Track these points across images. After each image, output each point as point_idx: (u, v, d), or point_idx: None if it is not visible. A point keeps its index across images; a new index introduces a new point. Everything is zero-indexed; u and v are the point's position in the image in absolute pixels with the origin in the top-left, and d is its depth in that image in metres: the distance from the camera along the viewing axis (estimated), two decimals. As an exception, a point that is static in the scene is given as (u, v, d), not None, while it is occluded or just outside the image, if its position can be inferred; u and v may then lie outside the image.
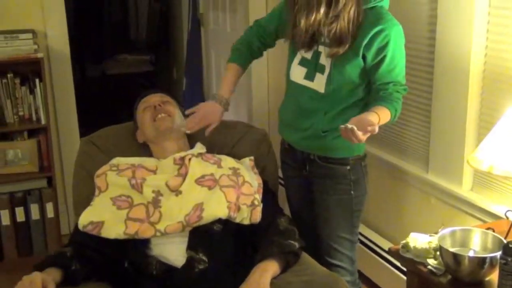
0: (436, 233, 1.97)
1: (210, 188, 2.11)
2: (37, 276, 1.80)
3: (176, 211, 2.06)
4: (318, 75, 2.08)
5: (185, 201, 2.08)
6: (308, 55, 2.10)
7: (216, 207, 2.06)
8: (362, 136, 1.80)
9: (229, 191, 2.11)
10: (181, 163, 2.18)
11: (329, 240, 2.23)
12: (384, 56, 2.00)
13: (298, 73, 2.14)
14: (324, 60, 2.06)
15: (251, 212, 2.11)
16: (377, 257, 2.78)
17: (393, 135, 2.82)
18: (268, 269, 1.92)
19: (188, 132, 2.24)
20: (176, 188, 2.11)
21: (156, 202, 2.08)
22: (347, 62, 2.03)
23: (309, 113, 2.14)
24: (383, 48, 1.99)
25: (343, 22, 1.98)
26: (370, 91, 2.08)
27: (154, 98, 2.32)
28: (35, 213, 3.29)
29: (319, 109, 2.11)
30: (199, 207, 2.05)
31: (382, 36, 1.98)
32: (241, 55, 2.31)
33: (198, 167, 2.17)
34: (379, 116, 1.91)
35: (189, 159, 2.19)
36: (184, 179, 2.13)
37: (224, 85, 2.29)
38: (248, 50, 2.31)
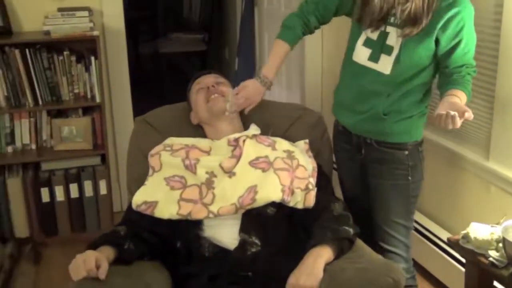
0: (498, 223, 1.91)
1: (264, 170, 2.08)
2: (91, 254, 1.81)
3: (230, 193, 2.04)
4: (383, 56, 2.03)
5: (239, 183, 2.06)
6: (374, 36, 2.05)
7: (270, 190, 2.03)
8: (459, 122, 1.79)
9: (283, 174, 2.08)
10: (235, 144, 2.16)
11: (384, 225, 2.18)
12: (460, 41, 1.97)
13: (362, 54, 2.08)
14: (392, 41, 2.00)
15: (305, 196, 2.07)
16: (432, 246, 2.72)
17: (452, 120, 2.73)
18: (322, 254, 1.88)
19: (227, 114, 2.20)
20: (230, 169, 2.09)
21: (209, 183, 2.07)
22: (419, 43, 1.98)
23: (370, 95, 2.08)
24: (458, 32, 1.96)
25: (418, 1, 1.92)
26: (437, 74, 2.04)
27: (208, 79, 2.30)
28: (88, 190, 3.33)
29: (382, 91, 2.06)
30: (253, 189, 2.03)
31: (457, 20, 1.95)
32: (293, 33, 2.24)
33: (252, 149, 2.14)
34: (460, 99, 1.89)
35: (243, 141, 2.16)
36: (238, 161, 2.11)
37: (270, 64, 2.23)
38: (302, 28, 2.24)
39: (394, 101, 2.05)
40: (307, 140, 2.28)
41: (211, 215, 2.01)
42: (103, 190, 3.34)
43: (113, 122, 3.58)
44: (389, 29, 2.01)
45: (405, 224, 2.19)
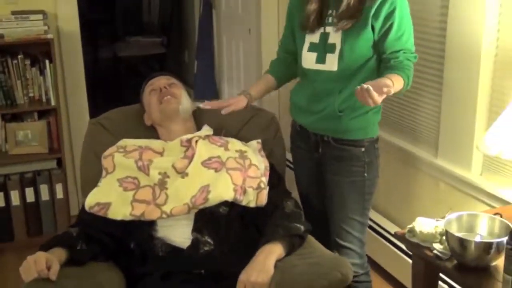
0: (444, 218, 1.96)
1: (216, 170, 2.11)
2: (41, 255, 1.80)
3: (182, 193, 2.06)
4: (328, 55, 2.07)
5: (192, 183, 2.08)
6: (316, 39, 2.09)
7: (222, 190, 2.06)
8: (377, 97, 1.77)
9: (235, 174, 2.10)
10: (188, 145, 2.18)
11: (341, 222, 2.22)
12: (392, 24, 1.99)
13: (309, 59, 2.12)
14: (333, 39, 2.05)
15: (257, 195, 2.10)
16: (384, 241, 2.78)
17: (403, 119, 2.80)
18: (273, 251, 1.92)
19: (202, 106, 2.18)
20: (183, 170, 2.11)
21: (162, 184, 2.09)
22: (357, 35, 2.02)
23: (323, 94, 2.12)
24: (390, 15, 1.99)
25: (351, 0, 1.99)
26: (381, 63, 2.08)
27: (160, 81, 2.31)
28: (44, 194, 3.30)
29: (334, 88, 2.09)
30: (205, 189, 2.05)
31: (388, 3, 1.98)
32: (274, 66, 2.33)
33: (205, 149, 2.17)
34: (393, 82, 1.90)
35: (196, 141, 2.18)
36: (190, 161, 2.13)
37: (253, 86, 2.29)
38: (282, 63, 2.31)
39: (346, 98, 2.08)
40: (259, 140, 2.32)
41: (164, 216, 2.02)
42: (59, 193, 3.33)
43: (69, 126, 3.56)
44: (328, 29, 2.06)
45: (361, 220, 2.23)
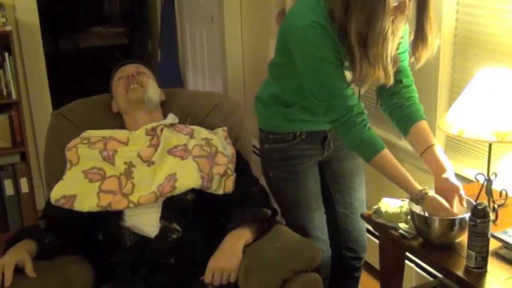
0: (408, 197, 1.99)
1: (182, 158, 2.10)
2: (9, 257, 1.78)
3: (149, 182, 2.05)
4: None
5: (158, 171, 2.08)
6: None
7: (189, 177, 2.06)
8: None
9: (202, 161, 2.10)
10: (153, 133, 2.17)
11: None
12: None
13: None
14: None
15: (224, 182, 2.11)
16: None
17: (366, 101, 2.81)
18: (241, 236, 1.93)
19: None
20: (148, 158, 2.10)
21: (128, 174, 2.08)
22: None
23: None
24: None
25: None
26: None
27: (130, 69, 2.30)
28: (9, 189, 3.26)
29: None
30: (172, 177, 2.05)
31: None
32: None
33: (170, 137, 2.16)
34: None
35: (161, 130, 2.17)
36: (156, 150, 2.12)
37: None
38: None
39: None
40: (225, 128, 2.31)
41: (131, 205, 2.01)
42: (24, 188, 3.29)
43: (32, 119, 3.52)
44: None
45: None
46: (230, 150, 2.23)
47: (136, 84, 2.23)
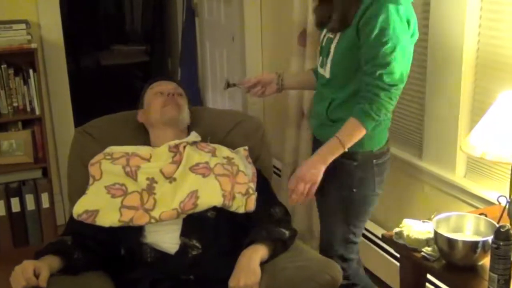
0: (429, 219, 1.98)
1: (204, 176, 2.12)
2: (28, 264, 1.80)
3: (170, 198, 2.07)
4: (327, 61, 2.02)
5: (180, 188, 2.09)
6: (323, 42, 2.07)
7: (211, 195, 2.07)
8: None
9: (224, 180, 2.11)
10: (176, 151, 2.19)
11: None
12: (373, 27, 1.84)
13: (319, 62, 2.11)
14: (331, 45, 2.00)
15: (246, 200, 2.11)
16: (369, 243, 2.79)
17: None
18: (257, 251, 1.93)
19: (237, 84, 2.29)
20: (170, 175, 2.12)
21: (150, 189, 2.09)
22: (345, 42, 1.94)
23: (321, 99, 2.10)
24: (374, 17, 1.84)
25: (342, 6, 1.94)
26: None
27: (170, 86, 2.33)
28: (30, 204, 3.29)
29: (327, 96, 2.05)
30: (194, 194, 2.06)
31: (375, 5, 1.85)
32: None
33: (192, 155, 2.18)
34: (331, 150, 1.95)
35: (184, 147, 2.19)
36: (178, 167, 2.13)
37: (289, 74, 2.26)
38: None
39: (337, 107, 2.01)
40: (246, 147, 2.33)
41: (152, 221, 2.03)
42: (45, 203, 3.31)
43: (54, 135, 3.55)
44: (331, 34, 2.02)
45: (346, 237, 2.20)
46: (251, 169, 2.24)
47: (175, 104, 2.26)
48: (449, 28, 2.33)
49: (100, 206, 2.06)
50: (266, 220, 2.09)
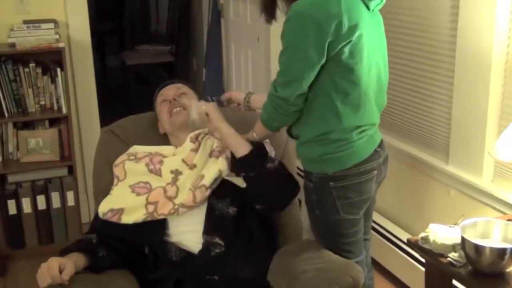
0: (456, 224, 1.96)
1: (217, 157, 2.15)
2: (53, 261, 1.82)
3: (190, 183, 2.09)
4: None
5: (199, 172, 2.12)
6: None
7: (216, 163, 2.10)
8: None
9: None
10: (196, 140, 2.21)
11: None
12: (281, 36, 1.79)
13: None
14: None
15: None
16: (395, 248, 2.77)
17: (413, 125, 2.81)
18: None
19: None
20: (191, 162, 2.14)
21: (175, 181, 2.12)
22: None
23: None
24: (284, 24, 1.77)
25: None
26: (331, 96, 1.83)
27: (171, 91, 2.32)
28: (56, 201, 3.31)
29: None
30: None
31: (289, 12, 1.76)
32: None
33: (211, 142, 2.21)
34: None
35: (203, 137, 2.22)
36: (196, 153, 2.16)
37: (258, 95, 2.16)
38: None
39: (299, 121, 1.91)
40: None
41: (176, 206, 2.03)
42: (70, 201, 3.34)
43: (80, 133, 3.58)
44: None
45: None
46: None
47: (179, 107, 2.26)
48: (478, 31, 2.31)
49: (125, 204, 2.07)
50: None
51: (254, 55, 4.21)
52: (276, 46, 3.83)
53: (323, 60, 1.75)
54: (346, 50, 1.75)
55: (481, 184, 2.39)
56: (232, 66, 4.67)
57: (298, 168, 2.52)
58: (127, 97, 5.78)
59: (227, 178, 2.10)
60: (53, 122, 3.34)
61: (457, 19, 2.41)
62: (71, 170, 3.34)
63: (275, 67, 3.78)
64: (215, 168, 2.09)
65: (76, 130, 3.52)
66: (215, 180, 2.08)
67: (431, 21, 2.58)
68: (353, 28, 1.74)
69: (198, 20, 5.41)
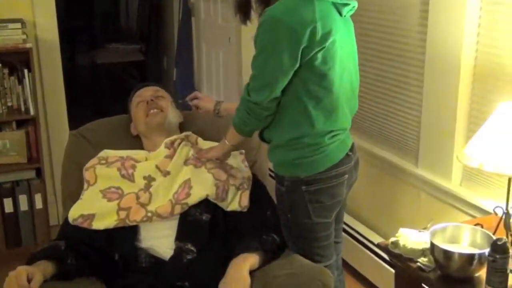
0: (425, 228, 1.98)
1: (196, 166, 2.13)
2: (22, 270, 1.78)
3: (166, 191, 2.08)
4: None
5: (174, 180, 2.10)
6: None
7: (204, 185, 2.08)
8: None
9: (217, 172, 2.13)
10: (171, 147, 2.20)
11: None
12: (255, 41, 1.79)
13: None
14: None
15: (240, 195, 2.11)
16: (366, 250, 2.79)
17: (384, 128, 2.82)
18: (247, 259, 1.90)
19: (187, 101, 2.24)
20: (165, 169, 2.12)
21: (148, 188, 2.10)
22: None
23: None
24: (258, 29, 1.77)
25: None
26: (303, 99, 1.83)
27: (148, 93, 2.31)
28: (23, 204, 3.26)
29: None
30: (187, 184, 2.08)
31: (261, 18, 1.77)
32: None
33: (185, 149, 2.19)
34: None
35: (179, 144, 2.20)
36: (171, 160, 2.14)
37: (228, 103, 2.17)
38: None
39: (271, 125, 1.90)
40: (243, 151, 2.31)
41: (149, 214, 2.02)
42: (38, 204, 3.28)
43: (48, 135, 3.52)
44: None
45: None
46: (246, 173, 2.23)
47: (156, 109, 2.24)
48: (447, 34, 2.32)
49: (96, 210, 2.05)
50: (259, 226, 2.07)
51: (225, 56, 4.19)
52: (247, 47, 3.82)
53: (297, 66, 1.76)
54: (319, 56, 1.76)
55: (450, 187, 2.42)
56: (203, 67, 4.64)
57: (270, 170, 2.52)
58: (97, 96, 5.71)
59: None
60: (21, 123, 3.27)
61: (427, 23, 2.43)
62: (39, 172, 3.29)
63: (246, 68, 3.85)
64: (202, 191, 2.06)
65: (44, 132, 3.46)
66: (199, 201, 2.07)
67: (400, 24, 2.60)
68: (326, 34, 1.74)
69: (169, 18, 5.36)
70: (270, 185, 2.38)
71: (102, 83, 5.85)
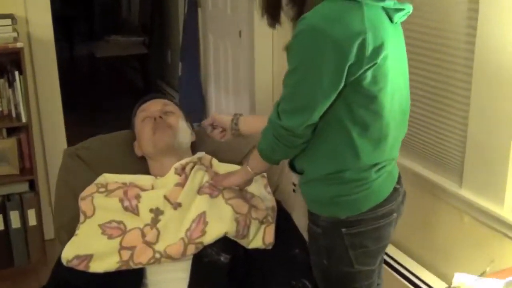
0: (484, 272, 1.70)
1: (212, 196, 1.85)
2: None
3: (177, 228, 1.80)
4: None
5: (185, 214, 1.83)
6: None
7: (222, 220, 1.80)
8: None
9: (237, 202, 1.85)
10: (182, 173, 1.92)
11: None
12: (288, 53, 1.50)
13: None
14: None
15: (264, 230, 1.85)
16: (402, 279, 2.51)
17: (423, 142, 2.53)
18: None
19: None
20: (175, 199, 1.84)
21: (155, 223, 1.82)
22: None
23: None
24: (292, 41, 1.46)
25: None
26: (348, 129, 1.53)
27: (155, 107, 2.03)
28: (15, 221, 3.01)
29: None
30: (202, 218, 1.80)
31: (297, 26, 1.44)
32: None
33: (199, 174, 1.90)
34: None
35: (191, 169, 1.92)
36: (182, 188, 1.86)
37: (247, 118, 1.85)
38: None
39: (304, 154, 1.60)
40: (265, 174, 2.02)
41: (157, 256, 1.76)
42: (32, 220, 3.03)
43: (43, 144, 3.27)
44: None
45: None
46: (270, 202, 1.94)
47: (165, 128, 1.97)
48: (498, 41, 2.03)
49: (94, 249, 1.79)
50: (287, 268, 1.80)
51: (235, 51, 3.94)
52: (259, 43, 3.54)
53: (341, 86, 1.44)
54: (369, 74, 1.44)
55: (501, 214, 2.13)
56: (210, 61, 4.42)
57: (294, 184, 2.23)
58: (97, 92, 5.51)
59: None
60: (12, 131, 3.02)
61: (476, 25, 2.13)
62: (32, 185, 3.04)
63: (259, 64, 3.56)
64: (220, 228, 1.78)
65: (38, 140, 3.21)
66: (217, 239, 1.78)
67: (444, 24, 2.30)
68: (378, 48, 1.42)
69: (173, 9, 5.13)
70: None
71: (102, 78, 5.70)
